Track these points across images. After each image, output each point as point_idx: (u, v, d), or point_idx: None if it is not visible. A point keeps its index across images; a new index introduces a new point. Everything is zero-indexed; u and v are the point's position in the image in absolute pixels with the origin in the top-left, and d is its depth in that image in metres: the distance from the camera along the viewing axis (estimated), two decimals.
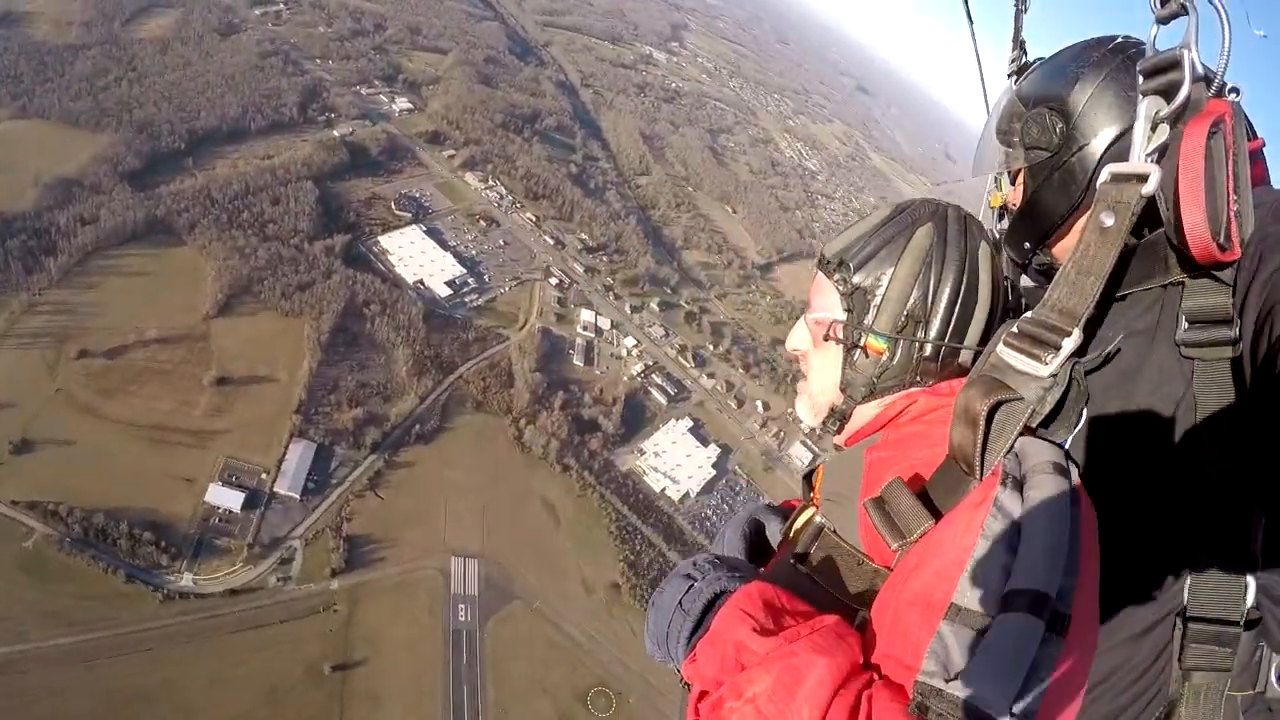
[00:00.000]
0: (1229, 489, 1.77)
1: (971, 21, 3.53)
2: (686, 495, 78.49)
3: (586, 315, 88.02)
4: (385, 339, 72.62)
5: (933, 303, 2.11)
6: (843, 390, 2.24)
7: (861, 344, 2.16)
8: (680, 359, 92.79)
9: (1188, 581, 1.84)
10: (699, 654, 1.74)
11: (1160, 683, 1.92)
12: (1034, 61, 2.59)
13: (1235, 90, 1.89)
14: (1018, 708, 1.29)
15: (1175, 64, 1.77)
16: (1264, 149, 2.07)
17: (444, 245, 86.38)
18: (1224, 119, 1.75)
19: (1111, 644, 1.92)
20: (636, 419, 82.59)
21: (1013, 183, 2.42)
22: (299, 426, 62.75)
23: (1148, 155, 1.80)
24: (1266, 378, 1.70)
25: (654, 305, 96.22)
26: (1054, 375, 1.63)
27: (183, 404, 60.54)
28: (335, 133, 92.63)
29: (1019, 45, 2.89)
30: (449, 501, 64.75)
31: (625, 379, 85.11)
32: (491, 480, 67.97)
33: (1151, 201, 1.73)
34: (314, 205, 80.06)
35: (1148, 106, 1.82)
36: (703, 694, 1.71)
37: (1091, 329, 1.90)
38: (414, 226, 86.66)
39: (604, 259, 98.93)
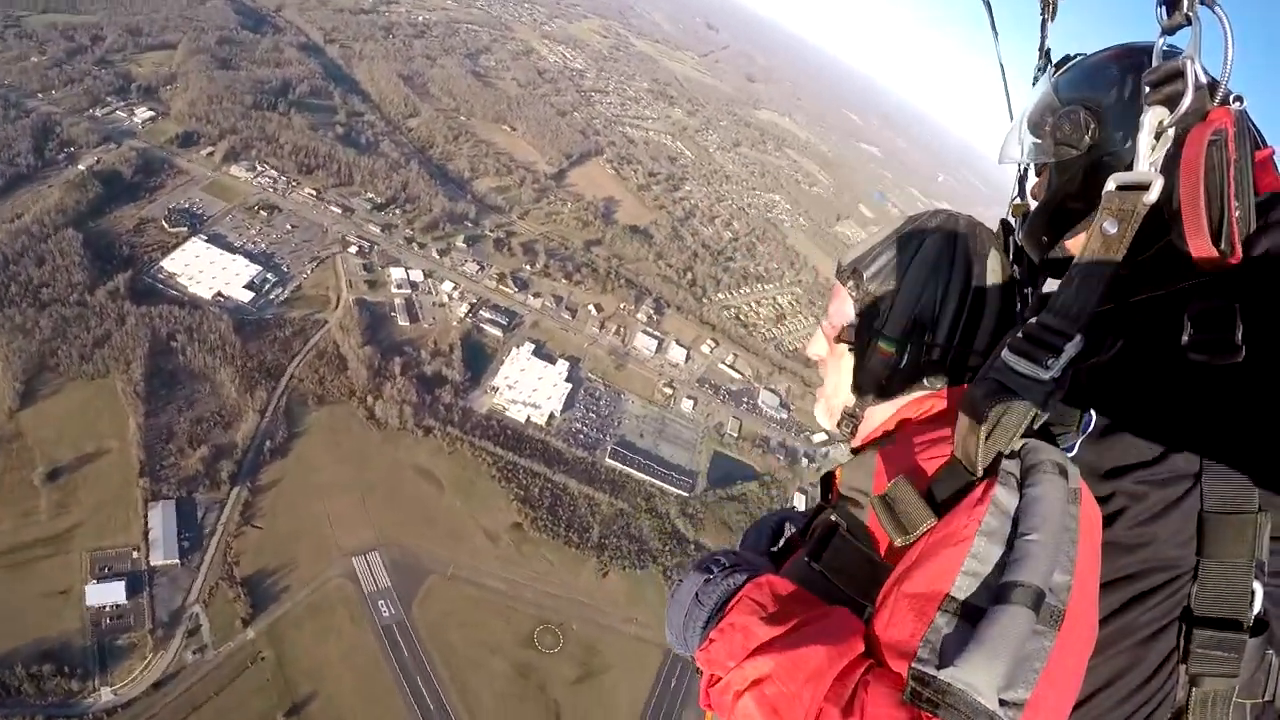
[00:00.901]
0: (1236, 492, 1.79)
1: (996, 34, 3.38)
2: (551, 416, 77.40)
3: (397, 273, 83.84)
4: (202, 365, 66.46)
5: (941, 309, 2.23)
6: (854, 391, 2.39)
7: (872, 347, 2.30)
8: (502, 287, 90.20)
9: (1194, 587, 1.84)
10: (711, 642, 1.83)
11: (1168, 688, 1.90)
12: (1074, 56, 2.51)
13: (1239, 98, 1.89)
14: (1007, 695, 1.34)
15: (1178, 74, 1.81)
16: (1274, 156, 2.04)
17: (231, 249, 79.41)
18: (1225, 127, 1.78)
19: (1119, 647, 1.89)
20: (479, 359, 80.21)
21: (1038, 174, 2.45)
22: (150, 490, 56.78)
23: (1152, 164, 1.81)
24: (1270, 382, 1.72)
25: (460, 243, 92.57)
26: (1055, 379, 1.68)
27: (23, 515, 53.23)
28: (80, 167, 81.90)
29: (1044, 54, 2.76)
30: (327, 505, 61.11)
31: (455, 324, 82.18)
32: (360, 468, 64.65)
33: (1161, 208, 1.76)
34: (82, 252, 70.70)
35: (1151, 116, 1.83)
36: (714, 679, 1.78)
37: (1098, 334, 1.87)
38: (194, 239, 78.81)
39: (397, 212, 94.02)
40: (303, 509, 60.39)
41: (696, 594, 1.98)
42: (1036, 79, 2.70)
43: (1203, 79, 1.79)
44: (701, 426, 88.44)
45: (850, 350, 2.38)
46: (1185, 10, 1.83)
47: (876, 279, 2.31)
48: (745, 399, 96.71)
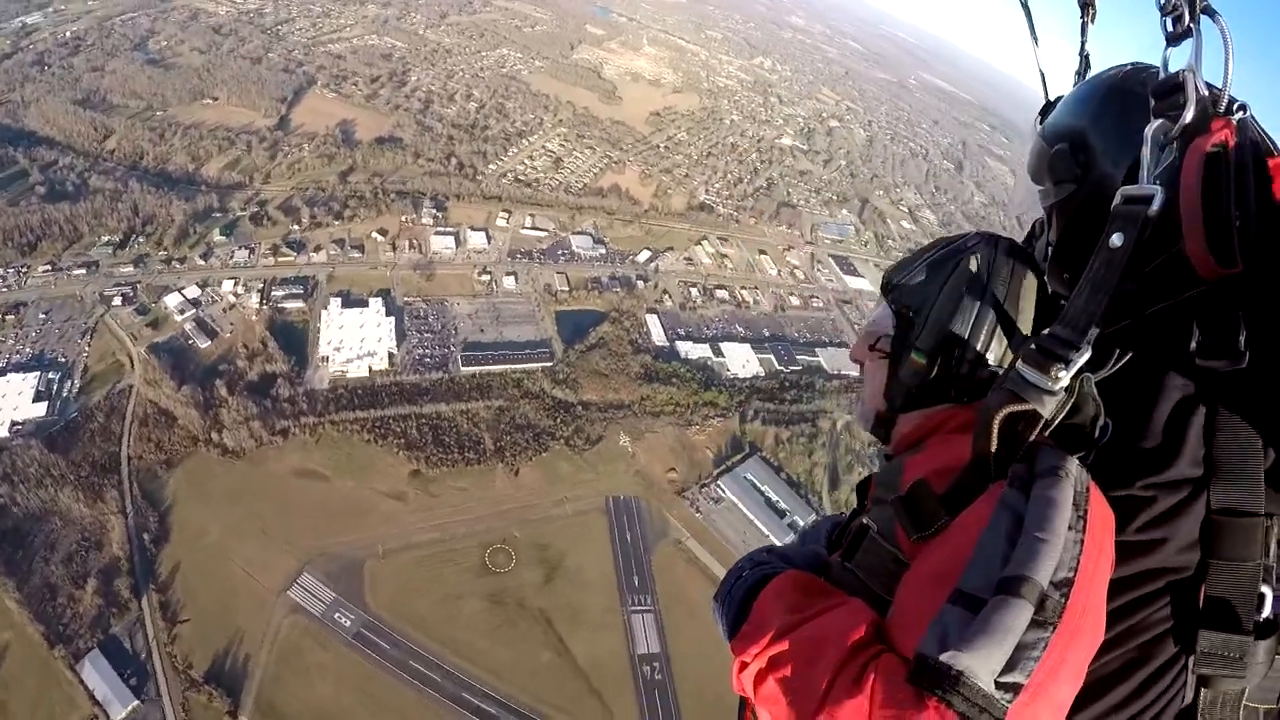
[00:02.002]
0: (1245, 495, 1.83)
1: (1036, 40, 3.38)
2: (390, 356, 74.10)
3: (172, 300, 75.60)
4: (40, 504, 57.91)
5: (974, 326, 2.34)
6: (885, 399, 2.52)
7: (905, 358, 2.43)
8: (280, 259, 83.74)
9: (1202, 589, 1.88)
10: (742, 632, 1.96)
11: (1176, 689, 1.94)
12: (1054, 100, 2.70)
13: (1243, 107, 1.94)
14: (1003, 679, 1.43)
15: (1179, 87, 1.90)
16: None
17: None
18: (1227, 137, 1.84)
19: (1127, 647, 1.93)
20: (295, 339, 74.85)
21: (1049, 219, 2.50)
22: (69, 654, 50.27)
23: (1155, 176, 1.88)
24: (1272, 385, 1.77)
25: (218, 237, 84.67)
26: (1065, 388, 1.77)
27: None
28: None
29: (1084, 59, 2.93)
30: (235, 558, 56.44)
31: (254, 318, 75.86)
32: (243, 505, 59.72)
33: (1169, 219, 1.81)
34: None
35: (1155, 129, 1.91)
36: (743, 665, 1.89)
37: (1109, 344, 1.97)
38: None
39: (140, 241, 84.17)
40: (215, 576, 55.52)
41: (729, 589, 2.15)
42: (1076, 82, 2.77)
43: (1204, 90, 1.88)
44: (532, 296, 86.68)
45: (885, 360, 2.52)
46: (1187, 23, 1.92)
47: (913, 294, 2.46)
48: (560, 251, 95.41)
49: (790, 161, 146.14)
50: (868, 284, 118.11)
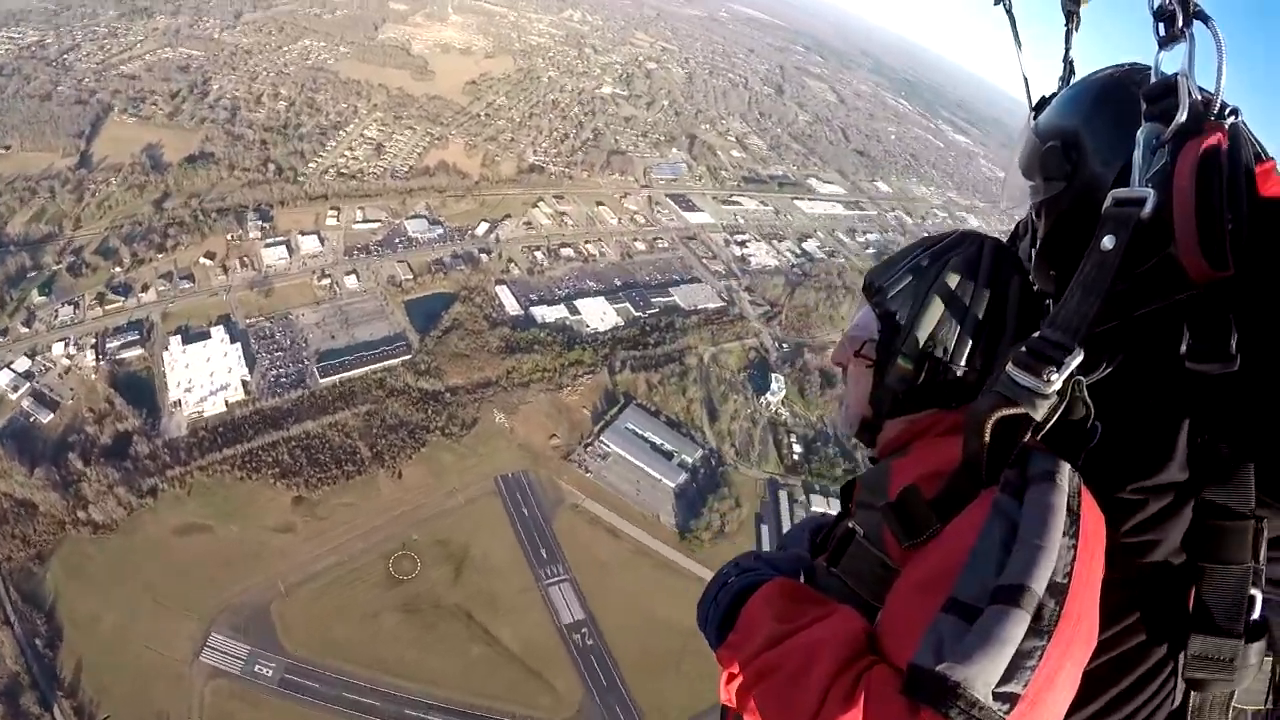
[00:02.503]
0: (1234, 498, 1.80)
1: (1019, 46, 3.30)
2: (244, 384, 70.00)
3: (1, 378, 67.51)
4: None
5: (960, 331, 2.30)
6: (870, 404, 2.46)
7: (891, 363, 2.37)
8: (106, 307, 77.40)
9: (1191, 592, 1.84)
10: (729, 641, 1.92)
11: (1165, 692, 1.92)
12: (1049, 96, 2.63)
13: (1235, 111, 1.91)
14: (1000, 690, 1.38)
15: (1171, 90, 1.87)
16: (1276, 169, 2.00)
17: None
18: (1219, 140, 1.80)
19: (1116, 651, 1.90)
20: (142, 389, 69.07)
21: (1038, 215, 2.42)
22: None
23: (1147, 179, 1.84)
24: (1262, 388, 1.75)
25: (36, 298, 77.51)
26: (1057, 391, 1.73)
27: None
28: None
29: (1068, 65, 2.92)
30: (134, 639, 51.66)
31: (93, 377, 69.46)
32: (129, 578, 54.74)
33: (1160, 222, 1.79)
34: None
35: (1147, 132, 1.88)
36: (730, 676, 1.84)
37: (1101, 346, 1.92)
38: None
39: None
40: (122, 662, 50.94)
41: (715, 596, 2.11)
42: (1060, 89, 2.71)
43: (1196, 94, 1.85)
44: (377, 290, 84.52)
45: (870, 365, 2.45)
46: (1180, 26, 1.89)
47: (899, 298, 2.39)
48: (397, 239, 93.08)
49: (614, 109, 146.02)
50: (708, 217, 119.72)
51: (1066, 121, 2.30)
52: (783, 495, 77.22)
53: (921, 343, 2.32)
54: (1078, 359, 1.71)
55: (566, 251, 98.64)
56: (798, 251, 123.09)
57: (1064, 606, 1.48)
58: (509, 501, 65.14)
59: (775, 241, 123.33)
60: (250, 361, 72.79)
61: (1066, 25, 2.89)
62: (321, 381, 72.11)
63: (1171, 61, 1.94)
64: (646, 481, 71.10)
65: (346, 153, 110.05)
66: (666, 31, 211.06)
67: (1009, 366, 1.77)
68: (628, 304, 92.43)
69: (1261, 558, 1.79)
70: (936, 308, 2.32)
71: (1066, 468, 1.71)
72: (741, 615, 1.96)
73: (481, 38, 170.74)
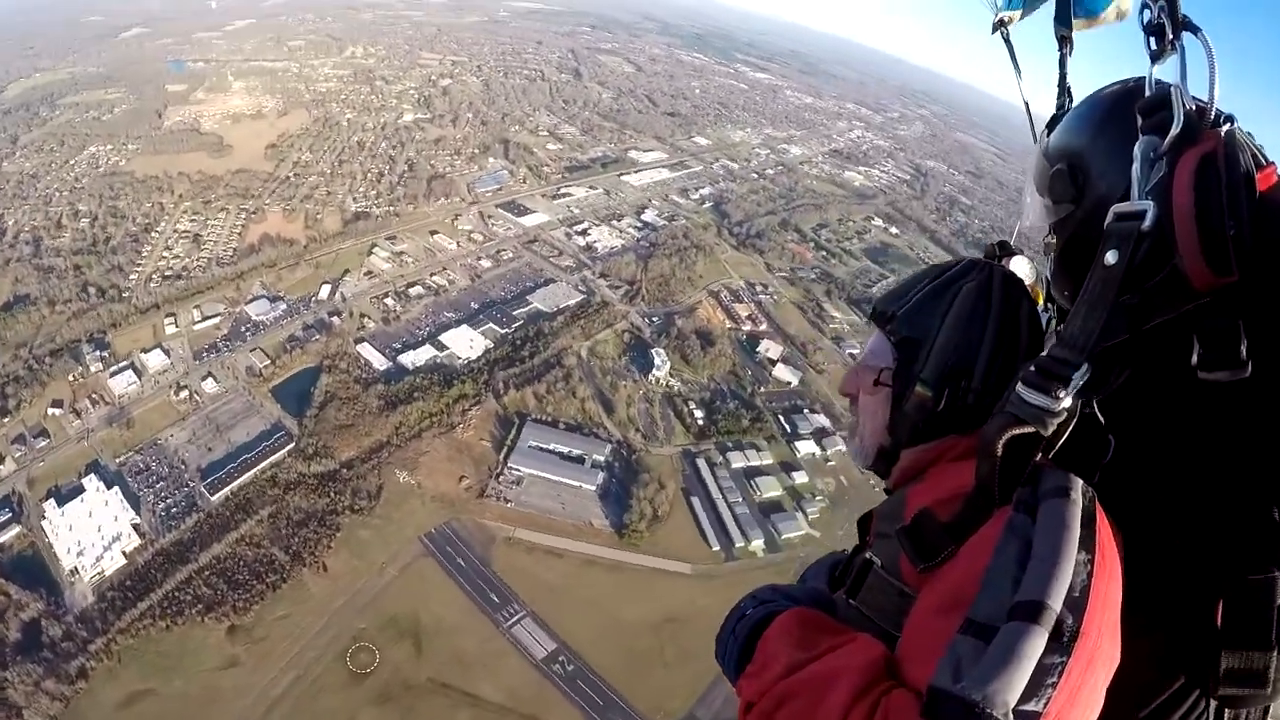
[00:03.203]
0: (1254, 509, 1.79)
1: (1019, 72, 3.41)
2: (135, 529, 63.34)
3: None
4: None
5: (977, 357, 2.26)
6: (889, 432, 2.41)
7: (909, 391, 2.33)
8: None
9: (1220, 605, 1.81)
10: (747, 671, 1.91)
11: (1200, 710, 1.89)
12: (1059, 115, 2.58)
13: (1230, 118, 1.91)
14: (1021, 708, 1.34)
15: (1166, 102, 1.87)
16: (1277, 173, 2.00)
17: None
18: (1216, 149, 1.81)
19: (1145, 669, 1.85)
20: (33, 567, 60.77)
21: (1052, 234, 2.41)
22: None
23: (1147, 192, 1.84)
24: (1274, 394, 1.74)
25: None
26: (1067, 409, 1.72)
27: None
28: None
29: (1064, 91, 2.89)
30: None
31: None
32: None
33: (1163, 234, 1.78)
34: None
35: (1144, 145, 1.88)
36: (748, 705, 1.81)
37: (1110, 361, 1.88)
38: None
39: None
40: None
41: (733, 629, 2.11)
42: (1057, 115, 2.64)
43: (1190, 104, 1.85)
44: (239, 387, 79.37)
45: (887, 393, 2.41)
46: (1170, 39, 1.93)
47: (915, 325, 2.37)
48: (243, 328, 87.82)
49: (421, 135, 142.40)
50: (544, 216, 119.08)
51: (1072, 143, 2.29)
52: (700, 463, 77.50)
53: (941, 369, 2.28)
54: (1085, 376, 1.72)
55: (416, 290, 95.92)
56: (639, 225, 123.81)
57: (1083, 622, 1.45)
58: (442, 558, 62.79)
59: (614, 221, 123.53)
60: (134, 502, 66.23)
61: (1060, 50, 2.88)
62: (213, 499, 66.27)
63: (1165, 75, 1.97)
64: (567, 492, 70.01)
65: (165, 253, 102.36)
66: (452, 45, 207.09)
67: (1019, 386, 1.77)
68: (491, 324, 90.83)
69: None
70: (954, 334, 2.29)
71: (1079, 483, 1.70)
72: (760, 645, 1.95)
73: (269, 98, 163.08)
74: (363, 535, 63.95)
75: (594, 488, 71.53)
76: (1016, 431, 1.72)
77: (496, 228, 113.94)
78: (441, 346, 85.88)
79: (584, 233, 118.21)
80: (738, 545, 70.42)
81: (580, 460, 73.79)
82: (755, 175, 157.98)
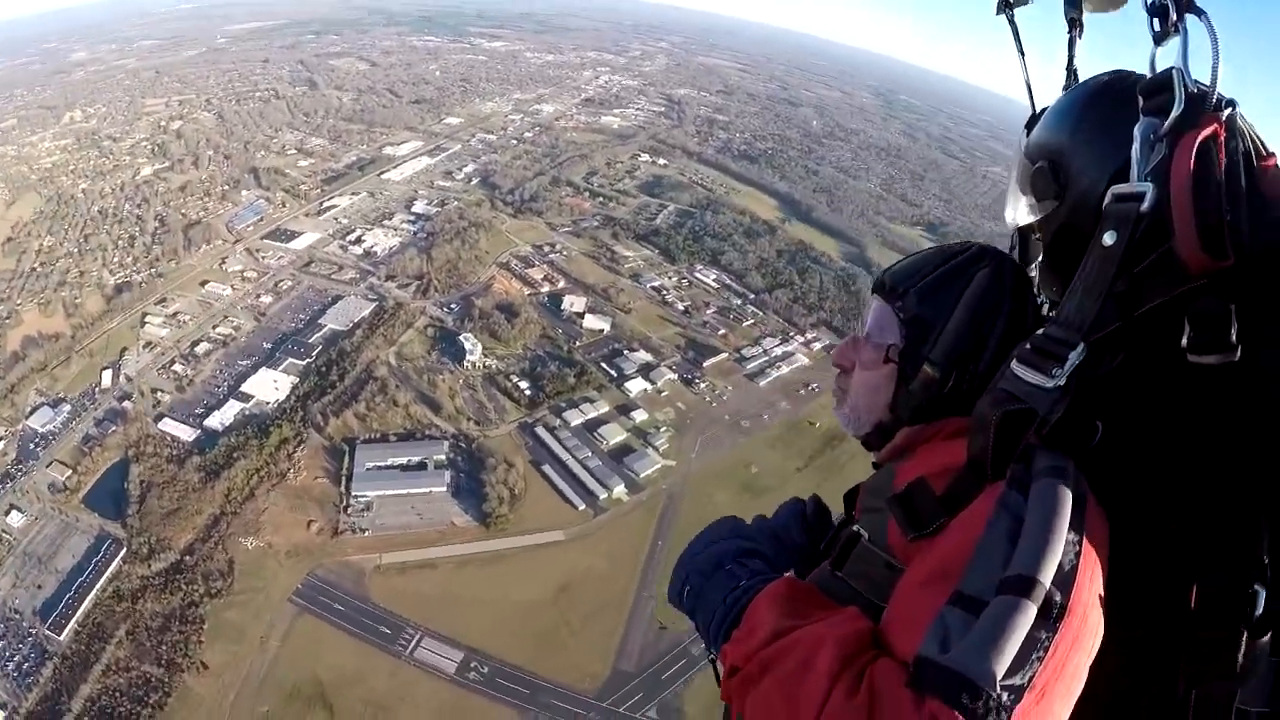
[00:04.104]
0: (1236, 494, 1.74)
1: (1023, 54, 3.15)
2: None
3: None
4: None
5: (987, 342, 2.21)
6: (892, 410, 2.32)
7: (918, 369, 2.25)
8: None
9: (1195, 588, 1.76)
10: (734, 637, 1.82)
11: (1170, 689, 1.82)
12: (1039, 113, 2.55)
13: (1231, 103, 1.85)
14: (1007, 681, 1.31)
15: (1167, 84, 1.81)
16: (1275, 163, 1.96)
17: None
18: (1216, 133, 1.76)
19: (1120, 646, 1.74)
20: None
21: (1039, 231, 2.38)
22: None
23: (1146, 174, 1.79)
24: (1263, 378, 1.70)
25: None
26: (1061, 387, 1.68)
27: None
28: None
29: (1071, 74, 2.77)
30: None
31: None
32: None
33: (1160, 217, 1.74)
34: None
35: (1144, 127, 1.82)
36: (732, 669, 1.74)
37: (1104, 344, 1.82)
38: None
39: None
40: None
41: (725, 597, 2.01)
42: (1035, 115, 2.61)
43: (1192, 88, 1.79)
44: (47, 509, 68.35)
45: (893, 368, 2.31)
46: (1173, 21, 1.84)
47: (928, 304, 2.28)
48: (31, 444, 75.93)
49: (164, 186, 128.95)
50: (314, 234, 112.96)
51: (1052, 139, 2.22)
52: (540, 431, 76.35)
53: (951, 352, 2.20)
54: (1081, 355, 1.69)
55: (202, 347, 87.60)
56: (412, 219, 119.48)
57: (1071, 598, 1.43)
58: (319, 610, 58.02)
59: (386, 221, 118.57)
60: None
61: (1070, 33, 2.72)
62: (62, 639, 57.14)
63: (1168, 58, 1.88)
64: (420, 501, 66.85)
65: None
66: (175, 84, 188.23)
67: (1013, 364, 1.75)
68: (290, 359, 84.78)
69: (1264, 551, 1.68)
70: (968, 318, 2.22)
71: (1070, 463, 1.68)
72: (748, 611, 1.86)
73: None
74: (230, 617, 57.71)
75: (444, 488, 68.71)
76: (1011, 408, 1.69)
77: (268, 260, 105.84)
78: (246, 397, 79.07)
79: (358, 240, 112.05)
80: (601, 498, 69.70)
81: (422, 466, 70.56)
82: (515, 141, 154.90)
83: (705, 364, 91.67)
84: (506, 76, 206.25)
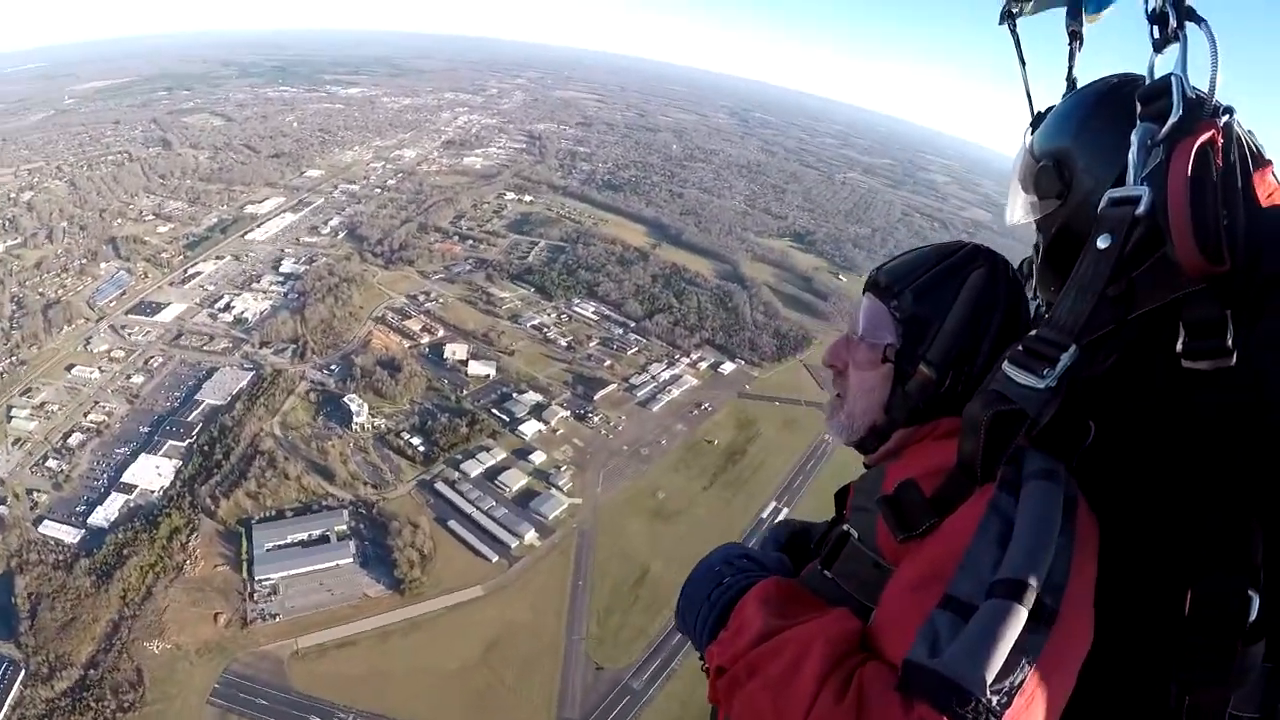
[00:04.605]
0: (1229, 499, 1.69)
1: (1024, 64, 3.13)
2: None
3: None
4: None
5: (982, 342, 2.16)
6: (886, 411, 2.25)
7: (914, 370, 2.19)
8: None
9: (1189, 594, 1.72)
10: (721, 638, 1.80)
11: (1161, 694, 1.79)
12: (1046, 111, 2.50)
13: (1229, 110, 1.83)
14: (997, 686, 1.28)
15: (1166, 90, 1.79)
16: (1272, 170, 1.97)
17: None
18: (1214, 139, 1.74)
19: (1112, 651, 1.75)
20: None
21: (1039, 230, 2.34)
22: None
23: (1142, 178, 1.77)
24: (1260, 384, 1.67)
25: None
26: (1052, 388, 1.63)
27: None
28: None
29: (1072, 86, 2.67)
30: None
31: None
32: None
33: (1156, 222, 1.72)
34: None
35: (1141, 132, 1.80)
36: (719, 670, 1.72)
37: (1097, 346, 1.83)
38: None
39: None
40: None
41: (709, 594, 1.98)
42: (1041, 114, 2.56)
43: (1190, 94, 1.77)
44: None
45: (888, 368, 2.25)
46: (1173, 28, 1.82)
47: (924, 303, 2.21)
48: None
49: (17, 264, 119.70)
50: (180, 304, 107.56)
51: (1059, 139, 2.20)
52: (440, 487, 74.81)
53: (948, 352, 2.17)
54: (1073, 357, 1.64)
55: (75, 438, 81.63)
56: (280, 279, 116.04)
57: (1061, 602, 1.40)
58: (242, 709, 53.22)
59: (254, 285, 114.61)
60: None
61: (1070, 45, 2.73)
62: None
63: (1167, 65, 1.86)
64: (328, 577, 63.55)
65: None
66: (23, 152, 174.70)
67: (1005, 365, 1.70)
68: (171, 441, 79.90)
69: (1258, 557, 1.67)
70: (965, 318, 2.18)
71: (1061, 466, 1.67)
72: (735, 611, 1.85)
73: None
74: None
75: (351, 559, 65.52)
76: (1002, 409, 1.64)
77: (135, 336, 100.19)
78: (128, 488, 73.54)
79: (228, 307, 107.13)
80: (513, 546, 68.33)
81: (325, 539, 67.14)
82: (379, 190, 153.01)
83: (596, 397, 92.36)
84: (365, 123, 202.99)
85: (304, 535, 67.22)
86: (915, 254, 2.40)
